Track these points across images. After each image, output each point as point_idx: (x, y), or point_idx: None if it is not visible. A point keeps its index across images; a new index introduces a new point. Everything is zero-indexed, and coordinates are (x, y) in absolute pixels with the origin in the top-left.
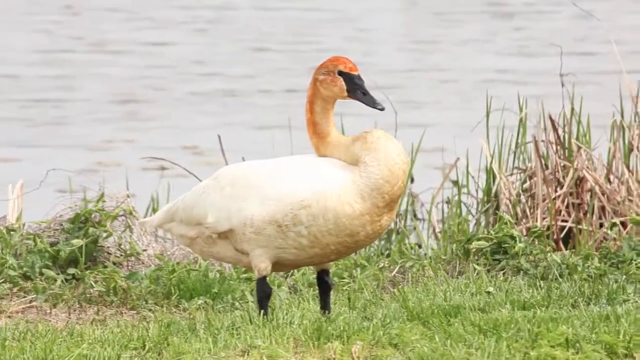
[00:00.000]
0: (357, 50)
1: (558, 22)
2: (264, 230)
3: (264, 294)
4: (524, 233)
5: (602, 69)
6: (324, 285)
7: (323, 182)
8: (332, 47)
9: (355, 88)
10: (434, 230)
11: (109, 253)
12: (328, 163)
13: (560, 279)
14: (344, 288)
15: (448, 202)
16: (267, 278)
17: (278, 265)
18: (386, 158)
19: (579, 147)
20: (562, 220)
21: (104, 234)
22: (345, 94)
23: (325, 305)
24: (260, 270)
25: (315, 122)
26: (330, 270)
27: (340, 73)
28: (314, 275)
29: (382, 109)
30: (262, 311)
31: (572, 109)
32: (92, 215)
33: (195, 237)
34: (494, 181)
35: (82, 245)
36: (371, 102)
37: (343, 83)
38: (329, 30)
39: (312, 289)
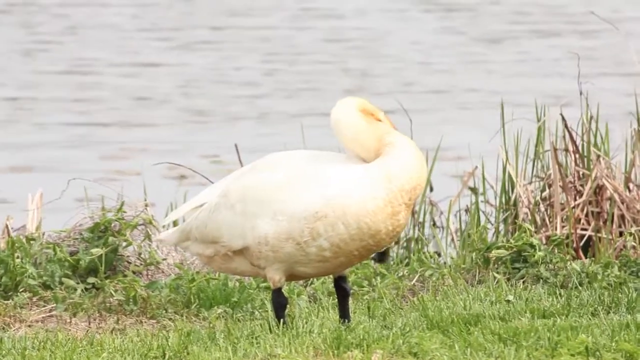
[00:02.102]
0: (381, 68)
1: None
2: (282, 249)
3: (279, 305)
4: (544, 241)
5: (628, 86)
6: (342, 291)
7: (336, 187)
8: (356, 67)
9: None
10: (452, 238)
11: (128, 262)
12: (337, 164)
13: (580, 288)
14: (364, 297)
15: (467, 210)
16: (283, 289)
17: (295, 277)
18: (409, 148)
19: (598, 156)
20: (582, 229)
21: (124, 243)
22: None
23: (344, 311)
24: (275, 283)
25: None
26: (350, 279)
27: None
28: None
29: None
30: (280, 321)
31: (590, 117)
32: (112, 224)
33: (212, 255)
34: (512, 189)
35: (101, 255)
36: None
37: None
38: (354, 50)
39: (331, 297)
